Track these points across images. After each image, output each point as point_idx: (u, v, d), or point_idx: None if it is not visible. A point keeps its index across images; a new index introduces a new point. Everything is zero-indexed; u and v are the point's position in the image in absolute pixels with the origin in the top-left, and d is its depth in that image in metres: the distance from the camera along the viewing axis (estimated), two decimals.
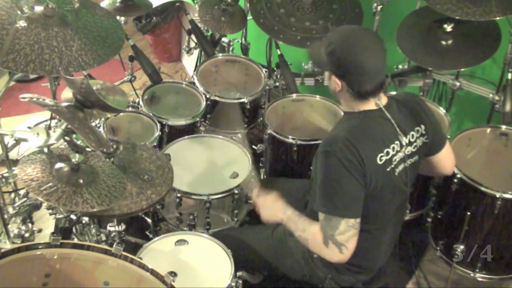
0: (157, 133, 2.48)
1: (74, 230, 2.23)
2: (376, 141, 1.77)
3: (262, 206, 2.01)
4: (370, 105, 1.80)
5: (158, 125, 2.52)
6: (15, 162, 1.82)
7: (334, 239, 1.74)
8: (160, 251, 1.97)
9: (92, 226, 2.20)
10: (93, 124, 2.26)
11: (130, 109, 2.66)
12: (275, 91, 3.12)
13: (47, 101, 1.55)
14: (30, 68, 1.65)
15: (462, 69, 2.69)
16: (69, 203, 1.54)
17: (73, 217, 1.88)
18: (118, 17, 2.47)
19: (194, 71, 3.04)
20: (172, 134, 2.60)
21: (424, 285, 2.56)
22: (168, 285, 1.56)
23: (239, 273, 1.91)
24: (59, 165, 1.61)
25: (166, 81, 2.87)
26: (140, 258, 1.61)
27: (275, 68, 3.01)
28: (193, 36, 3.13)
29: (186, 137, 2.54)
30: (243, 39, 3.22)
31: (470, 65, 2.56)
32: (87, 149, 1.70)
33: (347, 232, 1.73)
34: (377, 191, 1.78)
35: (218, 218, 2.40)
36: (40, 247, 1.51)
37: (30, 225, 2.15)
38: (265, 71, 2.95)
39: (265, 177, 2.73)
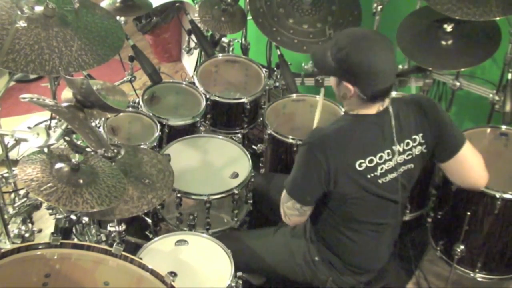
0: (157, 133, 2.48)
1: (74, 230, 2.23)
2: (358, 147, 1.76)
3: None
4: (371, 110, 1.78)
5: (158, 125, 2.52)
6: (15, 162, 1.83)
7: (283, 207, 1.93)
8: (160, 251, 1.97)
9: (92, 226, 2.20)
10: (93, 124, 2.27)
11: (130, 109, 2.66)
12: (275, 91, 3.12)
13: (47, 101, 1.55)
14: (30, 68, 1.65)
15: (462, 69, 2.69)
16: (69, 203, 1.54)
17: (73, 217, 1.88)
18: (118, 17, 2.47)
19: (194, 71, 3.04)
20: (172, 134, 2.60)
21: (424, 285, 2.56)
22: (168, 285, 1.56)
23: (239, 273, 1.91)
24: (59, 165, 1.61)
25: (166, 81, 2.87)
26: (140, 258, 1.61)
27: (275, 68, 3.01)
28: (193, 36, 3.13)
29: (186, 137, 2.54)
30: (243, 39, 3.22)
31: (470, 65, 2.56)
32: (87, 149, 1.70)
33: (292, 210, 1.89)
34: (356, 194, 1.79)
35: (218, 218, 2.40)
36: (40, 247, 1.51)
37: (30, 225, 2.15)
38: (265, 71, 2.95)
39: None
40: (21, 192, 2.27)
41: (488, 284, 2.45)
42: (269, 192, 2.33)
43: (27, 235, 2.08)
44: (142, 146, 2.32)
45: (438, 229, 2.53)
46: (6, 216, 2.06)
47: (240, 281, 1.91)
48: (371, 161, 1.76)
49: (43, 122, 2.89)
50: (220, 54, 3.05)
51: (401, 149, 1.81)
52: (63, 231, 1.95)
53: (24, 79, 3.67)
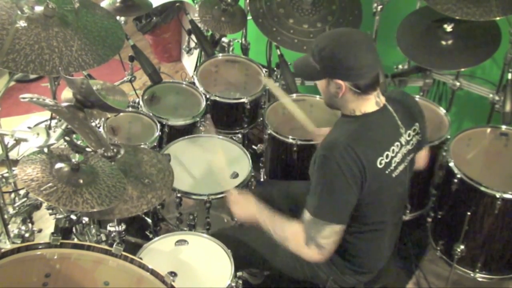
0: (157, 133, 2.48)
1: (74, 230, 2.23)
2: (376, 145, 1.76)
3: (233, 203, 2.00)
4: (370, 104, 1.79)
5: (158, 125, 2.52)
6: (15, 162, 1.82)
7: (316, 241, 1.75)
8: (160, 251, 1.97)
9: (92, 226, 2.20)
10: (93, 124, 2.27)
11: (130, 109, 2.66)
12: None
13: (47, 101, 1.55)
14: (30, 68, 1.65)
15: (462, 69, 2.69)
16: (69, 203, 1.54)
17: (73, 217, 1.88)
18: (118, 17, 2.47)
19: (194, 71, 3.04)
20: (172, 134, 2.60)
21: (424, 285, 2.56)
22: (168, 285, 1.56)
23: (239, 273, 1.91)
24: (59, 165, 1.61)
25: (166, 81, 2.87)
26: (140, 258, 1.61)
27: (275, 68, 3.01)
28: (193, 36, 3.13)
29: (186, 137, 2.54)
30: (243, 39, 3.22)
31: (470, 65, 2.56)
32: (87, 149, 1.70)
33: (331, 237, 1.74)
34: (375, 195, 1.78)
35: (218, 218, 2.40)
36: (40, 247, 1.51)
37: (30, 225, 2.15)
38: (265, 71, 2.95)
39: (265, 177, 2.74)
40: (21, 192, 2.27)
41: (488, 284, 2.45)
42: (273, 198, 2.30)
43: (27, 235, 2.08)
44: (142, 146, 2.32)
45: (438, 229, 2.53)
46: (6, 216, 2.06)
47: (240, 281, 1.91)
48: (387, 156, 1.77)
49: (43, 122, 2.90)
50: (220, 54, 3.05)
51: (405, 140, 1.84)
52: (63, 231, 1.94)
53: (24, 79, 3.67)
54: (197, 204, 2.32)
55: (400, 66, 2.92)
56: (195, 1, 3.17)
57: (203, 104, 2.71)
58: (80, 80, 1.57)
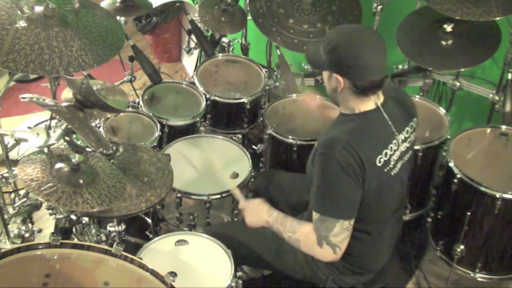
0: (157, 133, 2.48)
1: (74, 230, 2.23)
2: (375, 144, 1.77)
3: (247, 211, 2.00)
4: (369, 104, 1.79)
5: (158, 125, 2.52)
6: (15, 162, 1.83)
7: (328, 240, 1.75)
8: (160, 251, 1.97)
9: (92, 226, 2.20)
10: (93, 124, 2.27)
11: (130, 109, 2.66)
12: (275, 91, 3.12)
13: (47, 101, 1.55)
14: (30, 68, 1.65)
15: (462, 69, 2.69)
16: (69, 203, 1.54)
17: (73, 217, 1.88)
18: (118, 17, 2.47)
19: (194, 71, 3.04)
20: (172, 134, 2.60)
21: (424, 285, 2.56)
22: (168, 285, 1.56)
23: (239, 273, 1.91)
24: (59, 165, 1.61)
25: (166, 81, 2.87)
26: (140, 258, 1.61)
27: (275, 68, 3.01)
28: (193, 36, 3.12)
29: (186, 137, 2.54)
30: (243, 39, 3.22)
31: (470, 65, 2.56)
32: (87, 149, 1.70)
33: (342, 234, 1.75)
34: (375, 194, 1.78)
35: (218, 218, 2.40)
36: (40, 247, 1.51)
37: (30, 225, 2.15)
38: (265, 71, 2.95)
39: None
40: (21, 192, 2.27)
41: (488, 284, 2.45)
42: (269, 190, 2.32)
43: (27, 235, 2.08)
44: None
45: (438, 229, 2.53)
46: (6, 216, 2.06)
47: (240, 281, 1.91)
48: (386, 154, 1.78)
49: (43, 122, 2.90)
50: (220, 54, 3.05)
51: (403, 138, 1.84)
52: (63, 231, 1.94)
53: (24, 79, 3.67)
54: (197, 204, 2.32)
55: (400, 66, 2.91)
56: (195, 1, 3.17)
57: (203, 104, 2.71)
58: (80, 80, 1.57)
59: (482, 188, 2.22)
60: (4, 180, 2.24)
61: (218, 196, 2.24)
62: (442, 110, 2.62)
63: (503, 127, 2.47)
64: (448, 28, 2.48)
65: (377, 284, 2.03)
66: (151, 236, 2.41)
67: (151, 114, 2.57)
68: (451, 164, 2.33)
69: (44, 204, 2.21)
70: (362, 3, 2.81)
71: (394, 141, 1.81)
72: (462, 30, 2.48)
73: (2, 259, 1.43)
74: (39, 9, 1.75)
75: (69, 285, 1.54)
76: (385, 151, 1.78)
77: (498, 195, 2.19)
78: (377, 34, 1.81)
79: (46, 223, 2.59)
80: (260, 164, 2.77)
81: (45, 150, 1.66)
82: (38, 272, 1.50)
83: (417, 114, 1.95)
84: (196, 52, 3.36)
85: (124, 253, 1.57)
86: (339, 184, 1.72)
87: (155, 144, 2.46)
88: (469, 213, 2.25)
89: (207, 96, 2.74)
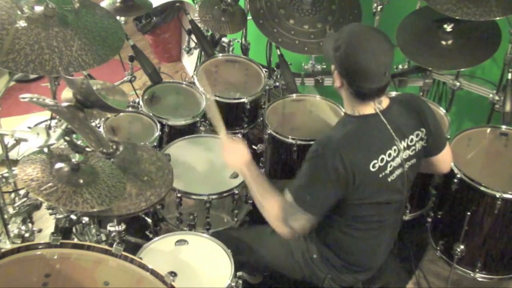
0: (157, 133, 2.48)
1: (74, 230, 2.23)
2: (370, 148, 1.76)
3: (227, 147, 2.00)
4: (368, 108, 1.78)
5: (158, 125, 2.52)
6: (15, 162, 1.82)
7: (289, 223, 1.80)
8: (160, 251, 1.97)
9: (92, 226, 2.20)
10: (93, 124, 2.27)
11: (130, 109, 2.66)
12: (275, 91, 3.12)
13: (47, 101, 1.55)
14: (30, 68, 1.65)
15: (462, 69, 2.69)
16: (69, 203, 1.54)
17: (73, 217, 1.88)
18: (118, 17, 2.47)
19: (194, 71, 3.04)
20: (172, 134, 2.60)
21: (424, 285, 2.56)
22: (168, 285, 1.56)
23: (239, 273, 1.91)
24: (59, 165, 1.61)
25: (166, 81, 2.87)
26: (140, 258, 1.61)
27: (275, 68, 3.01)
28: (193, 36, 3.13)
29: (186, 137, 2.54)
30: (243, 39, 3.22)
31: (470, 65, 2.56)
32: (87, 149, 1.69)
33: (302, 222, 1.79)
34: (369, 197, 1.79)
35: (218, 218, 2.40)
36: (40, 247, 1.51)
37: (30, 225, 2.15)
38: (265, 71, 2.95)
39: None
40: (21, 192, 2.27)
41: (488, 284, 2.45)
42: None
43: (27, 235, 2.08)
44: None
45: (438, 229, 2.53)
46: (6, 216, 2.06)
47: (240, 281, 1.91)
48: (382, 160, 1.77)
49: (43, 122, 2.90)
50: (220, 54, 3.05)
51: (405, 145, 1.82)
52: (63, 231, 1.94)
53: (24, 79, 3.67)
54: (197, 204, 2.32)
55: (400, 66, 2.92)
56: (195, 1, 3.17)
57: (203, 104, 2.71)
58: (80, 80, 1.57)
59: (482, 188, 2.22)
60: (4, 180, 2.23)
61: (218, 196, 2.24)
62: (442, 110, 2.62)
63: (503, 127, 2.47)
64: (448, 28, 2.48)
65: (376, 283, 2.03)
66: (151, 236, 2.41)
67: (151, 114, 2.57)
68: (451, 164, 2.33)
69: (44, 204, 2.21)
70: (362, 3, 2.81)
71: (394, 147, 1.79)
72: (462, 30, 2.48)
73: (2, 259, 1.43)
74: (39, 9, 1.74)
75: (69, 285, 1.54)
76: (382, 156, 1.77)
77: (498, 195, 2.19)
78: (385, 39, 1.73)
79: (46, 223, 2.59)
80: (260, 164, 2.77)
81: (45, 150, 1.66)
82: (38, 272, 1.50)
83: (432, 125, 1.88)
84: (196, 52, 3.36)
85: (124, 253, 1.57)
86: (319, 182, 1.76)
87: (155, 144, 2.46)
88: (469, 213, 2.25)
89: (207, 96, 2.74)
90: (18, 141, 1.67)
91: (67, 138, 1.61)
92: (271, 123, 2.56)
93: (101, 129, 2.27)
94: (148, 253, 1.94)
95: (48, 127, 2.54)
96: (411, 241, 2.66)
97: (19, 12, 1.72)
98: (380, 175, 1.78)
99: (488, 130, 2.50)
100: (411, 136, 1.84)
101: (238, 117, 2.83)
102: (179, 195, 2.24)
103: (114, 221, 2.02)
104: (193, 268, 1.93)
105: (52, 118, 2.62)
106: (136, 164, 1.98)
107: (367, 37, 1.73)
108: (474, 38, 2.49)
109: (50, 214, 2.22)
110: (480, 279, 2.42)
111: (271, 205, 1.84)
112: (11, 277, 1.46)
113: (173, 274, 1.84)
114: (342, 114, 2.38)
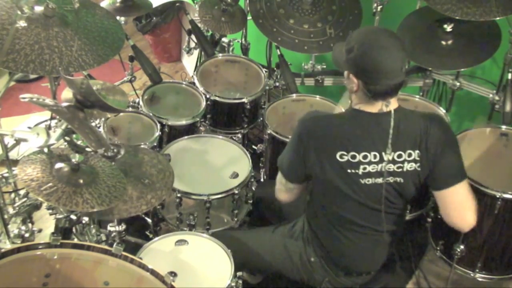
0: (157, 133, 2.48)
1: (74, 230, 2.23)
2: (342, 139, 1.78)
3: None
4: (373, 108, 1.78)
5: (158, 125, 2.52)
6: (15, 162, 1.82)
7: (276, 187, 2.00)
8: (160, 251, 1.97)
9: (92, 226, 2.20)
10: (93, 124, 2.27)
11: (130, 109, 2.66)
12: (275, 91, 3.12)
13: (47, 101, 1.55)
14: (30, 68, 1.65)
15: (462, 69, 2.69)
16: (69, 203, 1.54)
17: (73, 217, 1.88)
18: (118, 17, 2.46)
19: (194, 71, 3.04)
20: (172, 134, 2.60)
21: (424, 285, 2.56)
22: (168, 285, 1.56)
23: (239, 273, 1.91)
24: (59, 165, 1.61)
25: (166, 81, 2.87)
26: (140, 258, 1.61)
27: (275, 68, 3.01)
28: (193, 36, 3.13)
29: (186, 137, 2.54)
30: (243, 39, 3.22)
31: (470, 65, 2.56)
32: (87, 149, 1.69)
33: (279, 184, 1.97)
34: (331, 179, 1.80)
35: (218, 218, 2.40)
36: (40, 247, 1.51)
37: (30, 225, 2.14)
38: (265, 71, 2.95)
39: (265, 177, 2.73)
40: (21, 192, 2.26)
41: (488, 284, 2.45)
42: (272, 197, 2.30)
43: (27, 235, 2.08)
44: (142, 146, 2.32)
45: (438, 229, 2.52)
46: (6, 216, 2.06)
47: (240, 281, 1.91)
48: (353, 156, 1.77)
49: (43, 122, 2.90)
50: (220, 54, 3.05)
51: (390, 158, 1.77)
52: (63, 231, 1.94)
53: (24, 79, 3.67)
54: (197, 204, 2.32)
55: None
56: (195, 1, 3.17)
57: (203, 104, 2.71)
58: (80, 80, 1.57)
59: (482, 188, 2.22)
60: (4, 180, 2.23)
61: (218, 196, 2.24)
62: (442, 110, 2.62)
63: (503, 127, 2.47)
64: (448, 28, 2.48)
65: (374, 285, 2.03)
66: (151, 236, 2.41)
67: (151, 114, 2.57)
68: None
69: (44, 204, 2.21)
70: (362, 3, 2.81)
71: (375, 152, 1.77)
72: (462, 30, 2.49)
73: (2, 259, 1.43)
74: (39, 9, 1.75)
75: (69, 285, 1.54)
76: (353, 153, 1.76)
77: (498, 195, 2.19)
78: (397, 38, 1.75)
79: (46, 223, 2.59)
80: (260, 164, 2.77)
81: (45, 150, 1.66)
82: (38, 272, 1.51)
83: (433, 153, 1.78)
84: (196, 52, 3.36)
85: (124, 253, 1.57)
86: (289, 145, 1.90)
87: (155, 144, 2.46)
88: None
89: (207, 96, 2.74)
90: (18, 141, 1.67)
91: (67, 138, 1.61)
92: (271, 123, 2.56)
93: (101, 129, 2.27)
94: (148, 253, 1.94)
95: (48, 127, 2.54)
96: (411, 241, 2.66)
97: (19, 12, 1.72)
98: (349, 171, 1.78)
99: (488, 130, 2.50)
100: (400, 152, 1.78)
101: (238, 117, 2.83)
102: (179, 195, 2.24)
103: (114, 221, 2.02)
104: (193, 268, 1.93)
105: (52, 118, 2.62)
106: (137, 167, 1.98)
107: (378, 35, 1.75)
108: (474, 38, 2.49)
109: (50, 214, 2.22)
110: (480, 279, 2.42)
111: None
112: (11, 277, 1.46)
113: (173, 274, 1.84)
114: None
